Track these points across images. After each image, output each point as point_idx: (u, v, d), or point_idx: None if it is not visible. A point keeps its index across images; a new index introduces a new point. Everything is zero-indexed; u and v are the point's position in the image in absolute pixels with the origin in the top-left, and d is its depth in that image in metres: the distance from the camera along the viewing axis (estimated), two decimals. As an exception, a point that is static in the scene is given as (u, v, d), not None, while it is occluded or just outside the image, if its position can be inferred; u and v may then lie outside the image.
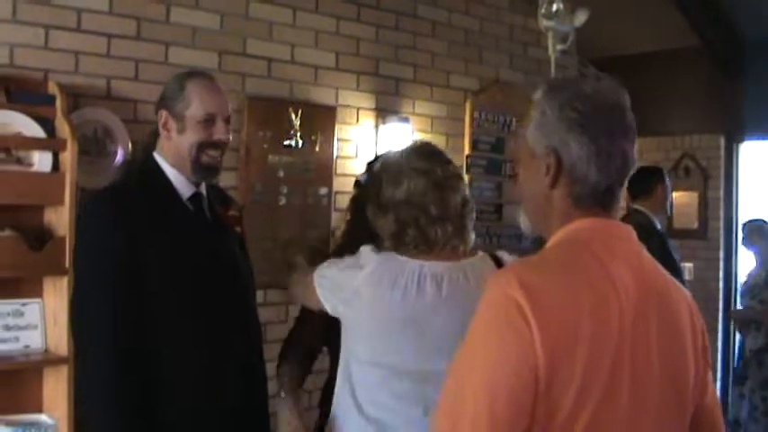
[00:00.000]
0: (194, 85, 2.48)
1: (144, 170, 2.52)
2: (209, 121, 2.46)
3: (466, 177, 5.02)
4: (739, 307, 6.66)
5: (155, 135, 2.54)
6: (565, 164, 1.55)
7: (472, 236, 2.44)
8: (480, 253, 2.42)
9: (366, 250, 2.38)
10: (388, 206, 2.38)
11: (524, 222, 1.69)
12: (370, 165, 2.64)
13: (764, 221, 6.44)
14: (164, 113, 2.48)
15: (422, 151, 2.46)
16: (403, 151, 2.49)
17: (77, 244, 2.45)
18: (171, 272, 2.36)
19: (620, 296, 1.49)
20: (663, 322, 1.55)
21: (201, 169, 2.47)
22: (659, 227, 5.04)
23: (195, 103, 2.44)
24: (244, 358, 2.51)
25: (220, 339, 2.42)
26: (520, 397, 1.39)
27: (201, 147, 2.45)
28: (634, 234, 1.63)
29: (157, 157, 2.50)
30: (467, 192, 2.45)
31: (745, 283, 6.40)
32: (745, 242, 6.62)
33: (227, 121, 2.51)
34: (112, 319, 2.26)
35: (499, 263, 2.38)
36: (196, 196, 2.51)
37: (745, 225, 6.70)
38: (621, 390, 1.46)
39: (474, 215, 2.45)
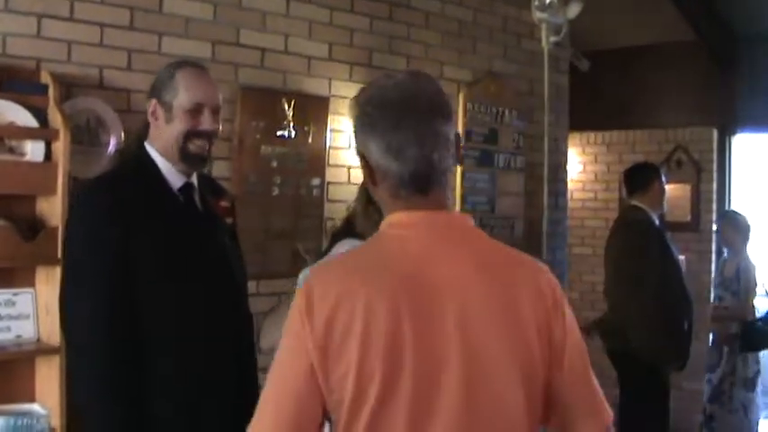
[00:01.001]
0: (183, 74, 2.47)
1: (135, 160, 2.52)
2: (196, 110, 2.45)
3: (459, 169, 5.04)
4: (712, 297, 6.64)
5: (147, 124, 2.53)
6: (371, 163, 1.65)
7: None
8: None
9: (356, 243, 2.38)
10: None
11: None
12: None
13: (739, 213, 6.39)
14: (153, 102, 2.48)
15: None
16: None
17: (70, 234, 2.44)
18: (164, 262, 2.36)
19: (411, 292, 1.55)
20: (488, 305, 1.59)
21: (188, 158, 2.47)
22: (657, 222, 5.06)
23: (182, 93, 2.44)
24: (236, 348, 2.51)
25: (214, 329, 2.43)
26: (302, 400, 1.54)
27: (188, 136, 2.45)
28: (461, 219, 1.71)
29: (148, 146, 2.50)
30: None
31: (720, 273, 6.34)
32: (718, 235, 6.60)
33: (215, 111, 2.50)
34: (109, 310, 2.27)
35: None
36: (187, 187, 2.51)
37: (721, 216, 6.68)
38: (402, 379, 1.51)
39: None
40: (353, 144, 3.32)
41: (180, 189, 2.49)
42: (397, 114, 1.61)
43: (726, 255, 6.44)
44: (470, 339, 1.55)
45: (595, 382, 1.73)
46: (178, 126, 2.44)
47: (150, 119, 2.49)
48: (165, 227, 2.40)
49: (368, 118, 1.63)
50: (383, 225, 1.66)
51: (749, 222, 6.20)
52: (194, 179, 2.54)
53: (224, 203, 2.68)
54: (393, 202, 1.65)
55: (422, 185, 1.63)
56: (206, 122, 2.47)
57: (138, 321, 2.30)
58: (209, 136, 2.49)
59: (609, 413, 1.73)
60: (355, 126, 1.68)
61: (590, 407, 1.71)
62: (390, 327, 1.51)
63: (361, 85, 4.50)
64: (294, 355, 1.55)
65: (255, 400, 2.56)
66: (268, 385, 1.60)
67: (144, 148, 2.51)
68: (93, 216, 2.36)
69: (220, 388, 2.43)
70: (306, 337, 1.53)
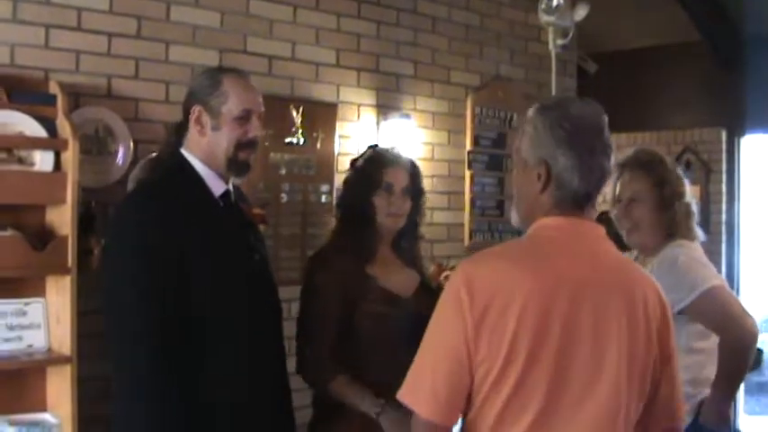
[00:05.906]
0: (231, 80, 2.48)
1: (173, 167, 2.52)
2: (245, 117, 2.46)
3: (468, 173, 5.03)
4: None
5: (179, 130, 2.53)
6: (553, 173, 1.88)
7: None
8: None
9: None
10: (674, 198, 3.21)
11: (514, 217, 2.03)
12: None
13: None
14: (197, 109, 2.47)
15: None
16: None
17: (115, 243, 2.44)
18: (213, 268, 2.37)
19: (559, 285, 1.82)
20: (614, 309, 1.86)
21: (237, 167, 2.49)
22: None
23: (233, 99, 2.45)
24: (278, 354, 2.56)
25: (258, 331, 2.46)
26: (459, 371, 1.80)
27: (239, 146, 2.46)
28: (600, 231, 1.96)
29: (186, 153, 2.50)
30: None
31: None
32: None
33: (260, 117, 2.52)
34: (157, 317, 2.27)
35: None
36: (227, 193, 2.52)
37: None
38: (546, 359, 1.78)
39: None
40: (362, 150, 3.36)
41: (220, 196, 2.50)
42: (592, 140, 1.88)
43: None
44: (599, 323, 1.83)
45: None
46: (228, 134, 2.45)
47: (193, 126, 2.48)
48: (211, 233, 2.41)
49: (565, 133, 1.85)
50: (537, 227, 1.92)
51: None
52: (231, 185, 2.55)
53: (257, 211, 2.69)
54: (552, 209, 1.90)
55: (586, 204, 1.91)
56: (254, 129, 2.49)
57: (186, 328, 2.31)
58: (256, 144, 2.52)
59: (683, 414, 2.05)
60: (542, 137, 1.88)
61: (676, 417, 2.02)
62: (542, 309, 1.78)
63: (369, 91, 4.51)
64: (452, 329, 1.80)
65: (289, 396, 2.61)
66: (423, 355, 1.85)
67: (180, 154, 2.51)
68: (139, 224, 2.36)
69: (264, 386, 2.46)
70: (465, 316, 1.78)
